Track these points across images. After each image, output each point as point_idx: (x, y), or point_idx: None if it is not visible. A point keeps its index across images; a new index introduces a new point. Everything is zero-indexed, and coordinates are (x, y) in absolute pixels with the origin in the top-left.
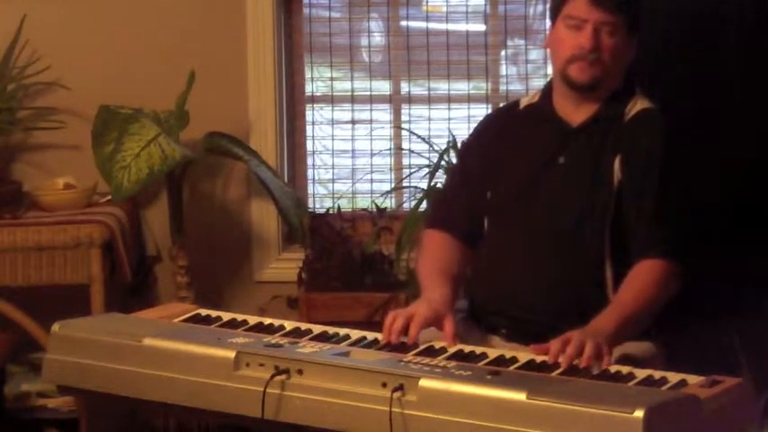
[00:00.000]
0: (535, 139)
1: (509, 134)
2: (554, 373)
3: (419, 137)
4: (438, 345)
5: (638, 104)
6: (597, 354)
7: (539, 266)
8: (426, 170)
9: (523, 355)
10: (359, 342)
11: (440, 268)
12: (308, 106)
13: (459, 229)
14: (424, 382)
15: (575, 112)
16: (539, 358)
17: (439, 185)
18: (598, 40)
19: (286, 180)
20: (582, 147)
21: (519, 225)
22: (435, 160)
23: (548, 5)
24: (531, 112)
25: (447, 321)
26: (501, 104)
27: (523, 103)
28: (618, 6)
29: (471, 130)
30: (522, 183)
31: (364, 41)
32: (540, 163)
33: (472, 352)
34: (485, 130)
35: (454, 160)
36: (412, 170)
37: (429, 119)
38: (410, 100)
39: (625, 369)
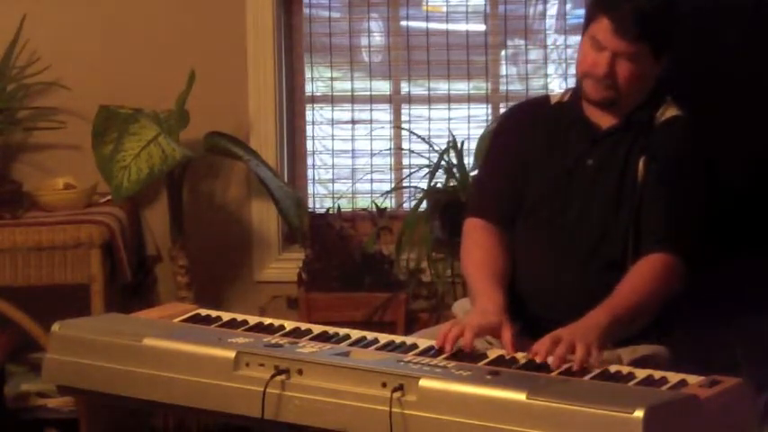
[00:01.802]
0: (564, 139)
1: (540, 129)
2: (554, 373)
3: (419, 137)
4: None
5: (668, 111)
6: (588, 353)
7: (562, 267)
8: (426, 170)
9: (523, 355)
10: (359, 342)
11: (489, 269)
12: (308, 106)
13: (497, 216)
14: (424, 382)
15: (602, 117)
16: (538, 358)
17: (439, 185)
18: (613, 67)
19: (286, 180)
20: (611, 149)
21: (545, 225)
22: (435, 160)
23: (548, 5)
24: (561, 112)
25: (505, 329)
26: (501, 104)
27: (553, 99)
28: (641, 36)
29: (499, 119)
30: (550, 183)
31: (364, 41)
32: (568, 164)
33: (472, 352)
34: (518, 120)
35: (454, 160)
36: (412, 170)
37: (429, 119)
38: (410, 100)
39: (625, 369)
